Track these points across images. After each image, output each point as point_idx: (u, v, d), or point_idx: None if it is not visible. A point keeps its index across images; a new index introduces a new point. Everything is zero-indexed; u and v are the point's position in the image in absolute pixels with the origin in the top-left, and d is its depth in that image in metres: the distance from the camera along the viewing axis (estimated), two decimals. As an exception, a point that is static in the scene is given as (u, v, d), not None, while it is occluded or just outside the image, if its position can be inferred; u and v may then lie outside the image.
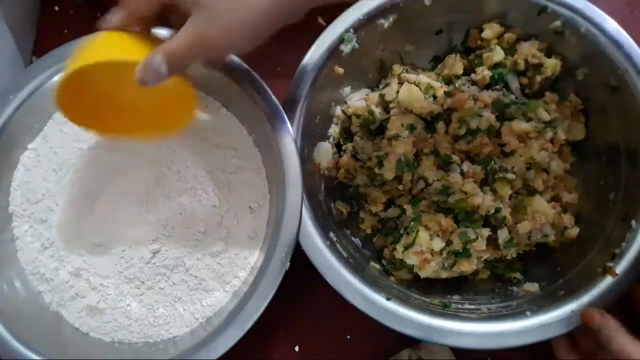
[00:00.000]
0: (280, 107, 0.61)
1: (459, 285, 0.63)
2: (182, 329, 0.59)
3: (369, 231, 0.66)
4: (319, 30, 0.65)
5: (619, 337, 0.52)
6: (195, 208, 0.61)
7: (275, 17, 0.45)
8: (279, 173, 0.59)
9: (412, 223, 0.60)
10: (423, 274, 0.60)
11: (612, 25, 0.63)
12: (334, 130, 0.70)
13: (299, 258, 0.57)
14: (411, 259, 0.59)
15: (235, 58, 0.62)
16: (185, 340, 0.58)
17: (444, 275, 0.61)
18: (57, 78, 0.65)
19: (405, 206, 0.62)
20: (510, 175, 0.62)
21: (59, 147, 0.65)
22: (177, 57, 0.44)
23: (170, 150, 0.62)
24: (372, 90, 0.71)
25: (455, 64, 0.68)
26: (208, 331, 0.56)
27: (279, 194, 0.59)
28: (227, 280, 0.60)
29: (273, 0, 0.44)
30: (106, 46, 0.48)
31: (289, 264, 0.55)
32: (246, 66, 0.62)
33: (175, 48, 0.44)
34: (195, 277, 0.60)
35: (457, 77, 0.68)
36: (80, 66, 0.46)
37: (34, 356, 0.57)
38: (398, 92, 0.65)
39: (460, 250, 0.59)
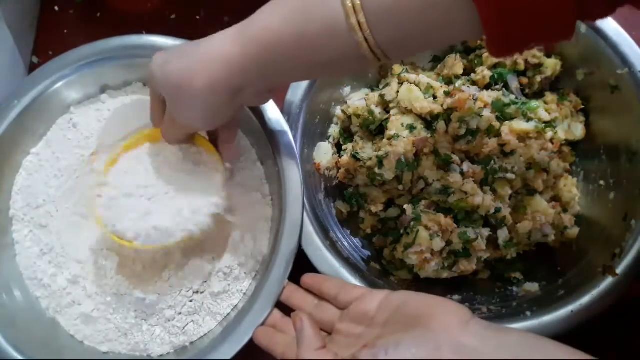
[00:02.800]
0: (284, 120, 0.61)
1: (459, 285, 0.63)
2: (166, 347, 0.58)
3: (369, 231, 0.66)
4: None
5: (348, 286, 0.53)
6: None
7: (222, 112, 0.52)
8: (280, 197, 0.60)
9: (412, 223, 0.60)
10: (423, 274, 0.60)
11: (612, 25, 0.63)
12: (334, 130, 0.70)
13: (299, 258, 0.57)
14: (411, 259, 0.59)
15: None
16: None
17: (444, 275, 0.61)
18: (60, 84, 0.65)
19: (405, 206, 0.61)
20: (510, 175, 0.62)
21: (61, 153, 0.65)
22: (165, 135, 0.57)
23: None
24: (372, 90, 0.71)
25: (455, 64, 0.68)
26: (195, 352, 0.57)
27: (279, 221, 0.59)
28: (221, 312, 0.59)
29: (216, 103, 0.50)
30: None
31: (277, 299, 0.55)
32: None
33: (163, 128, 0.57)
34: (191, 300, 0.60)
35: (457, 77, 0.68)
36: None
37: None
38: (398, 92, 0.65)
39: (460, 250, 0.59)
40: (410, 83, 0.65)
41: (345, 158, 0.66)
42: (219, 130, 0.58)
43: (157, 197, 0.56)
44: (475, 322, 0.43)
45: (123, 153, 0.59)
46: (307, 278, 0.56)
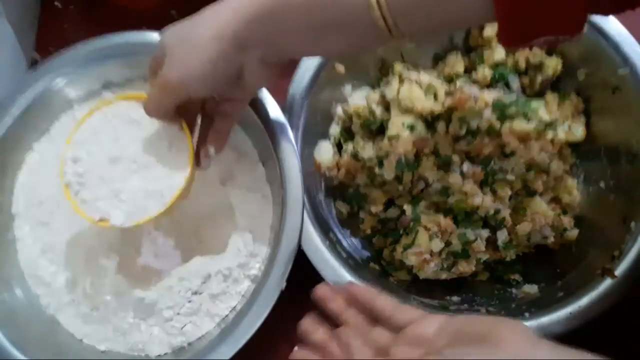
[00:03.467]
0: (285, 120, 0.61)
1: (458, 286, 0.63)
2: (164, 347, 0.59)
3: (368, 231, 0.66)
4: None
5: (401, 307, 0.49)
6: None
7: (221, 67, 0.49)
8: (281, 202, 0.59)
9: (411, 224, 0.60)
10: (422, 275, 0.60)
11: (613, 24, 0.63)
12: (334, 129, 0.70)
13: (299, 258, 0.57)
14: (410, 260, 0.59)
15: None
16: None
17: (443, 276, 0.61)
18: (63, 81, 0.65)
19: (405, 206, 0.61)
20: (510, 176, 0.61)
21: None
22: (150, 104, 0.53)
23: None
24: (373, 88, 0.71)
25: (457, 63, 0.68)
26: (192, 352, 0.57)
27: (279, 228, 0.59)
28: (219, 314, 0.60)
29: (217, 52, 0.48)
30: None
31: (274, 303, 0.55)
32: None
33: (149, 96, 0.53)
34: (190, 301, 0.60)
35: (458, 75, 0.68)
36: None
37: None
38: (399, 90, 0.65)
39: (460, 251, 0.60)
40: (412, 81, 0.65)
41: (346, 158, 0.66)
42: (216, 118, 0.57)
43: (123, 163, 0.55)
44: (546, 342, 0.40)
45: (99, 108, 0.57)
46: (357, 289, 0.52)
